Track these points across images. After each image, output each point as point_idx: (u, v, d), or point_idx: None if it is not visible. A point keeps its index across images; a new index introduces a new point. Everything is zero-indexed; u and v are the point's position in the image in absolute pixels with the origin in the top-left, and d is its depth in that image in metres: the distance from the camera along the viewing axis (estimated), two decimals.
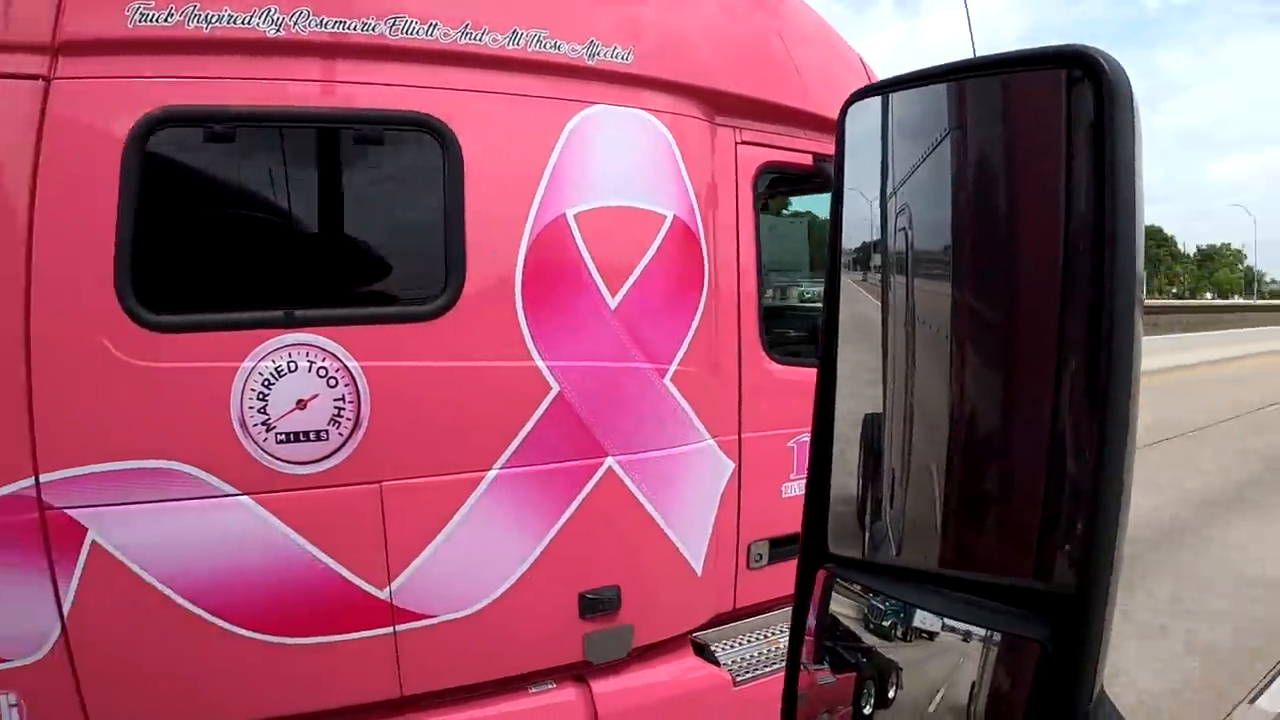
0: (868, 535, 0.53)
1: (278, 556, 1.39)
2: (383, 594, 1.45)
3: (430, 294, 1.44)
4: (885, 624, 0.50)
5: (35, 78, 1.26)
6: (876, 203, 0.51)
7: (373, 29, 1.41)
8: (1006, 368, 0.45)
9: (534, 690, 1.63)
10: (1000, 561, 0.45)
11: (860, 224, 0.53)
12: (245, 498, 1.36)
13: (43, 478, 1.28)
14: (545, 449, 1.53)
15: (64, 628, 1.31)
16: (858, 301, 0.53)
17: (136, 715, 1.37)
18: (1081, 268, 0.39)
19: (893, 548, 0.51)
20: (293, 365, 1.36)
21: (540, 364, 1.52)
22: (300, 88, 1.38)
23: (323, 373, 1.38)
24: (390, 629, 1.46)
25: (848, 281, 0.53)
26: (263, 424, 1.35)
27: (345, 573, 1.42)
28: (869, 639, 0.51)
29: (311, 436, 1.38)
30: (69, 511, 1.29)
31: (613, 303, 1.56)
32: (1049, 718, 0.39)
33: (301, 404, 1.37)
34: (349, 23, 1.39)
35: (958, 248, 0.46)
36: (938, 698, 0.46)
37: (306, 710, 1.44)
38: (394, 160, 1.45)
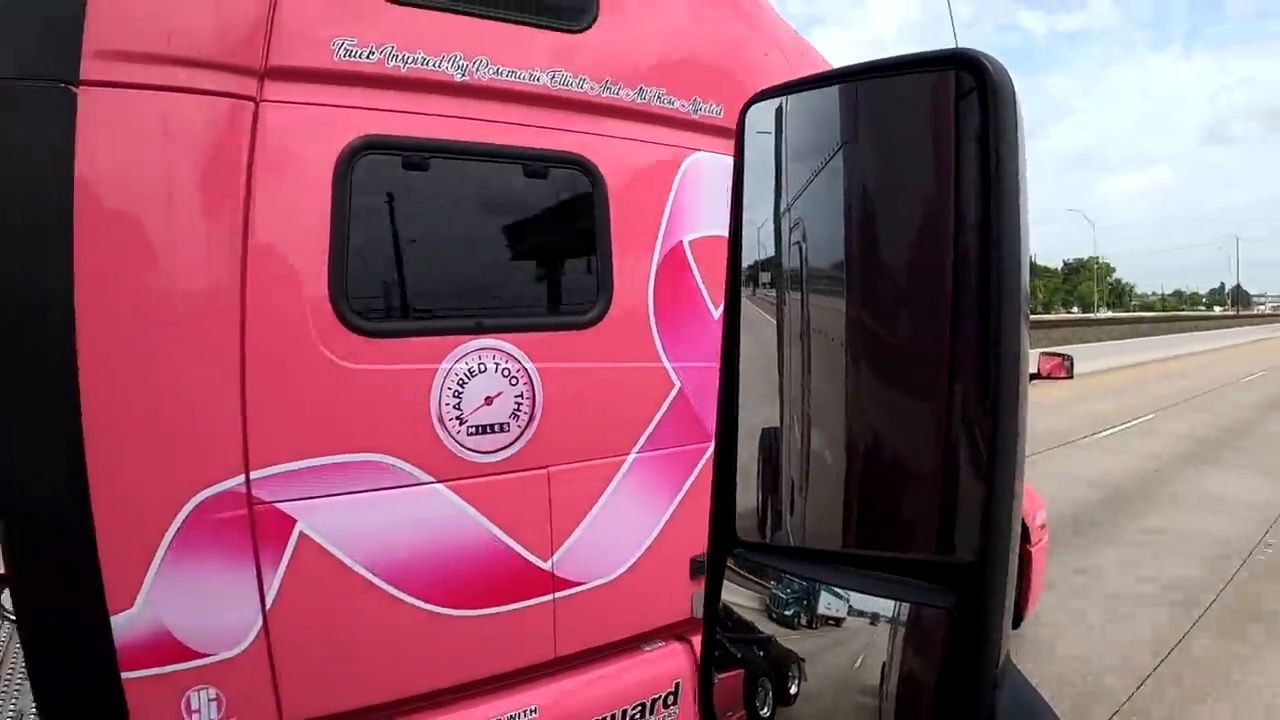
0: (779, 522, 0.54)
1: (463, 537, 1.56)
2: (546, 565, 1.67)
3: (587, 306, 1.69)
4: (788, 613, 0.49)
5: (245, 99, 1.37)
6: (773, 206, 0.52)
7: (537, 79, 1.65)
8: (904, 361, 0.46)
9: (647, 648, 1.90)
10: (905, 539, 0.46)
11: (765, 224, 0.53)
12: (439, 485, 1.52)
13: (253, 474, 1.37)
14: (669, 435, 1.82)
15: (265, 619, 1.40)
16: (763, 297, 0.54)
17: (328, 698, 1.47)
18: (971, 258, 0.40)
19: (803, 533, 0.52)
20: (482, 366, 1.55)
21: (667, 365, 1.81)
22: (480, 126, 1.58)
23: (505, 373, 1.58)
24: (550, 597, 1.68)
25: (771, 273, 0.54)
26: (457, 418, 1.53)
27: (518, 548, 1.62)
28: (769, 628, 0.51)
29: (495, 429, 1.57)
30: (279, 505, 1.39)
31: (715, 314, 1.90)
32: (960, 683, 0.40)
33: (489, 400, 1.56)
34: (519, 72, 1.62)
35: (854, 242, 0.47)
36: (848, 683, 0.46)
37: (483, 676, 1.61)
38: (554, 193, 1.69)
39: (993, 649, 0.40)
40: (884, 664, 0.43)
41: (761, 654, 0.50)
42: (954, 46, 0.43)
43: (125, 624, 1.27)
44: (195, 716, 1.35)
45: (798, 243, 0.50)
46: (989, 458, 0.39)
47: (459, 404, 1.53)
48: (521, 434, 1.61)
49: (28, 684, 1.77)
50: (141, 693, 1.29)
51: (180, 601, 1.31)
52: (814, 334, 0.49)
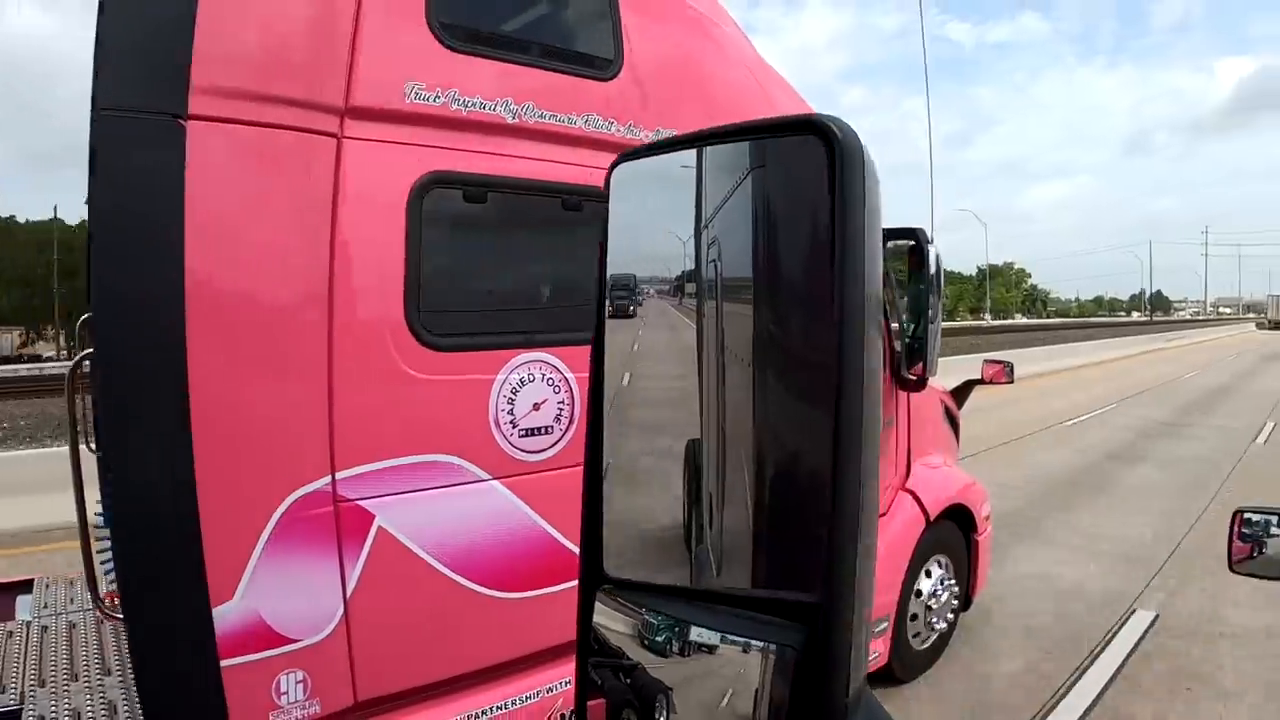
0: (647, 556, 0.55)
1: (514, 528, 1.75)
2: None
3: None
4: (659, 639, 0.50)
5: (328, 134, 1.51)
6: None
7: (573, 122, 1.86)
8: (763, 408, 0.47)
9: None
10: (762, 577, 0.47)
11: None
12: (495, 481, 1.71)
13: (338, 475, 1.51)
14: None
15: (346, 606, 1.54)
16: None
17: (396, 677, 1.63)
18: (825, 319, 0.41)
19: (669, 569, 0.53)
20: (531, 376, 1.75)
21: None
22: (526, 164, 1.78)
23: (550, 381, 1.79)
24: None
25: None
26: (510, 422, 1.72)
27: (560, 537, 1.83)
28: (640, 655, 0.51)
29: (542, 431, 1.78)
30: (360, 502, 1.54)
31: None
32: (806, 715, 0.42)
33: (536, 406, 1.77)
34: (559, 116, 1.83)
35: (713, 301, 0.49)
36: (716, 715, 0.46)
37: (530, 652, 1.81)
38: (588, 223, 1.91)
39: (837, 684, 0.42)
40: (755, 694, 0.44)
41: (628, 683, 0.50)
42: (813, 113, 0.47)
43: (226, 615, 1.39)
44: (284, 698, 1.47)
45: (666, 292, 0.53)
46: (831, 496, 0.41)
47: (512, 409, 1.73)
48: (563, 435, 1.82)
49: (113, 677, 1.80)
50: (238, 678, 1.41)
51: (274, 592, 1.44)
52: (690, 375, 0.52)
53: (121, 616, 1.39)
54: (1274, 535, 1.39)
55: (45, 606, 2.41)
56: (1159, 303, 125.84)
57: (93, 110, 1.28)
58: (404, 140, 1.60)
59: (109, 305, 1.27)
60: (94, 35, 1.29)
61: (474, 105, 1.69)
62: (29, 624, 2.26)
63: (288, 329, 1.44)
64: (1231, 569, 1.42)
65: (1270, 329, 59.99)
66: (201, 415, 1.32)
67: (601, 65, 1.92)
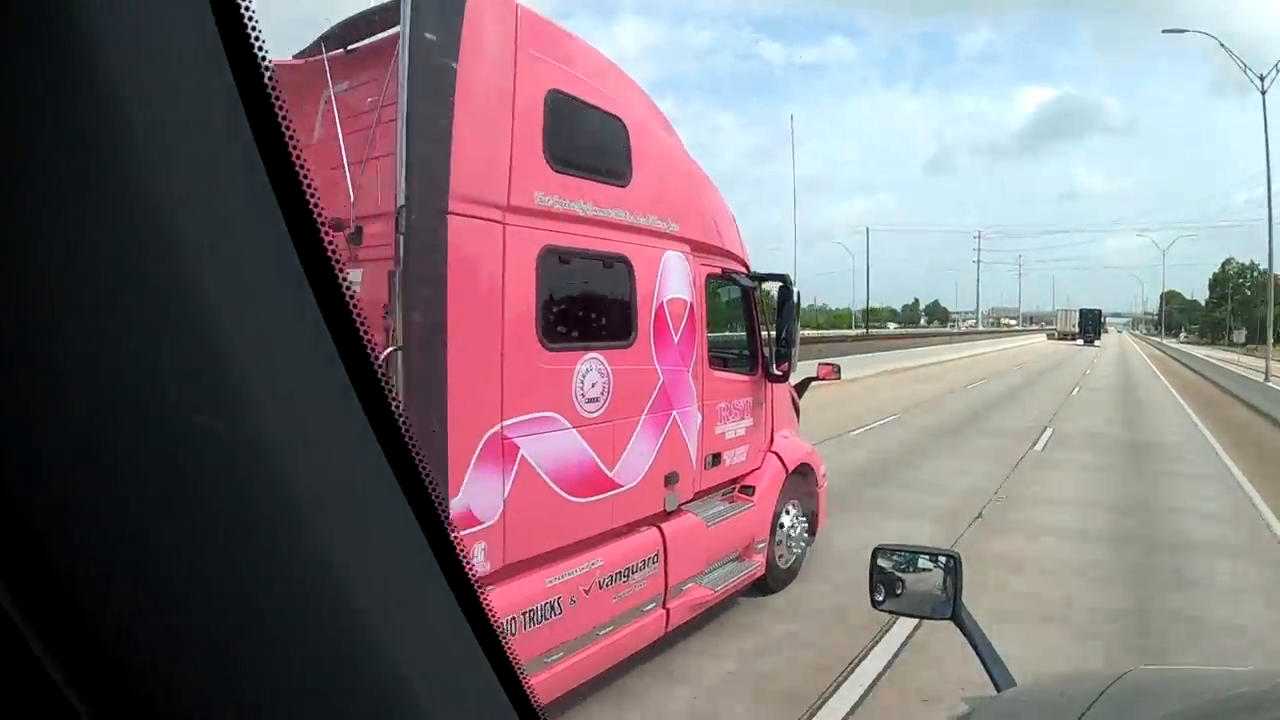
0: None
1: (580, 458, 2.88)
2: (611, 475, 3.05)
3: (627, 334, 3.14)
4: None
5: (499, 222, 2.55)
6: None
7: (608, 214, 3.06)
8: None
9: (643, 530, 3.38)
10: None
11: None
12: (573, 429, 2.83)
13: (505, 423, 2.54)
14: (657, 405, 3.34)
15: (505, 502, 2.57)
16: None
17: (521, 549, 2.67)
18: None
19: None
20: (589, 367, 2.90)
21: (657, 367, 3.34)
22: (587, 239, 2.94)
23: (600, 371, 2.95)
24: (611, 493, 3.07)
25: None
26: (581, 394, 2.86)
27: (601, 465, 2.99)
28: None
29: (596, 400, 2.93)
30: (514, 439, 2.58)
31: (676, 339, 3.49)
32: None
33: (594, 385, 2.92)
34: (603, 210, 3.02)
35: None
36: None
37: (583, 537, 2.93)
38: (615, 276, 3.11)
39: None
40: None
41: None
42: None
43: (454, 506, 2.36)
44: (475, 559, 2.46)
45: None
46: None
47: (582, 386, 2.87)
48: (605, 403, 2.99)
49: None
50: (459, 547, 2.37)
51: (474, 492, 2.43)
52: None
53: None
54: (909, 573, 1.39)
55: None
56: (935, 313, 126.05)
57: (407, 206, 2.22)
58: (534, 226, 2.68)
59: (417, 315, 2.22)
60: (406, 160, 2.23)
61: (565, 204, 2.82)
62: None
63: (487, 333, 2.46)
64: (875, 606, 1.42)
65: (1059, 339, 66.23)
66: (451, 387, 2.30)
67: (622, 177, 3.15)
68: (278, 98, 0.39)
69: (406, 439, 0.43)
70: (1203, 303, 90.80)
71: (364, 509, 0.41)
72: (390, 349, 2.21)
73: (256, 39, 0.38)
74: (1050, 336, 73.44)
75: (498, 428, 2.52)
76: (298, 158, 0.40)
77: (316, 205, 0.40)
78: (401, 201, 2.23)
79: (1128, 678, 0.99)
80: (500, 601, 2.56)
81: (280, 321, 0.39)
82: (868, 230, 63.23)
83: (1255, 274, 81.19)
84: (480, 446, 2.44)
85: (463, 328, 2.36)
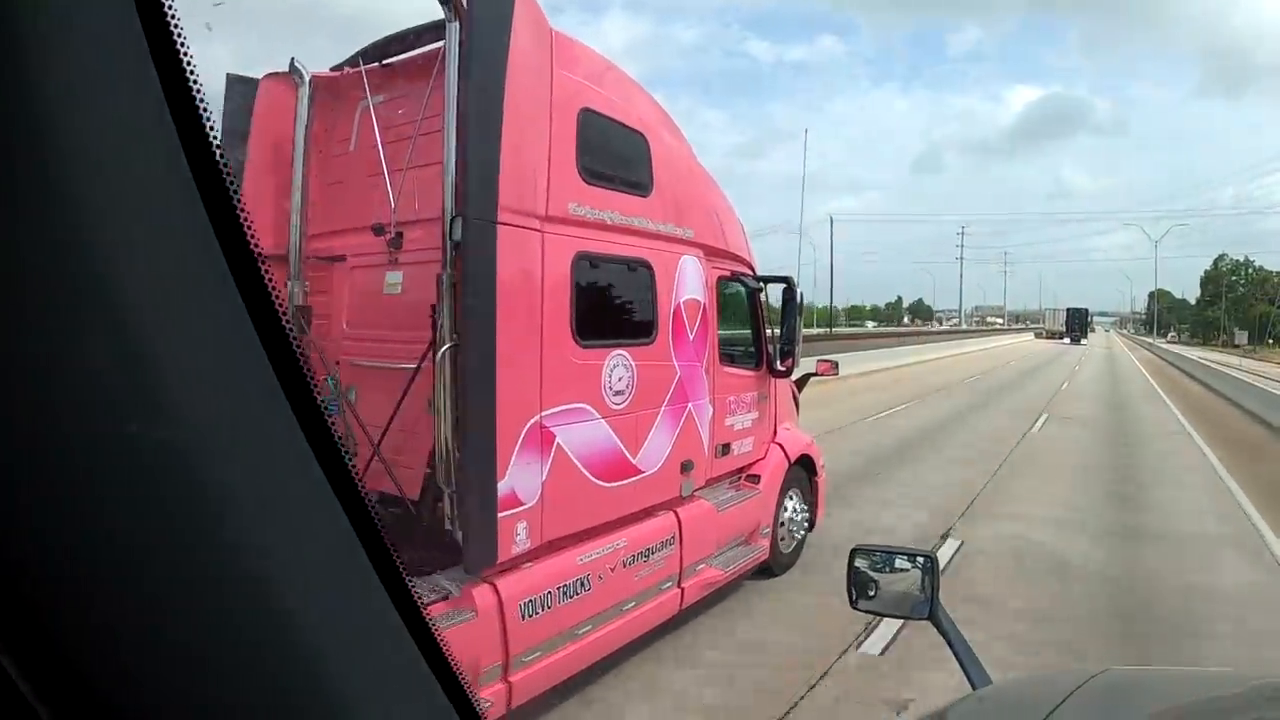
0: None
1: (608, 446, 3.14)
2: (634, 462, 3.32)
3: (650, 333, 3.40)
4: None
5: (538, 230, 2.80)
6: None
7: (633, 223, 3.31)
8: None
9: (659, 514, 3.64)
10: None
11: None
12: (602, 419, 3.09)
13: (543, 413, 2.80)
14: (675, 399, 3.61)
15: (543, 485, 2.83)
16: None
17: (555, 529, 2.92)
18: None
19: None
20: (616, 362, 3.16)
21: (674, 363, 3.60)
22: (614, 246, 3.19)
23: (625, 365, 3.21)
24: (635, 479, 3.33)
25: None
26: (609, 386, 3.12)
27: (626, 452, 3.25)
28: None
29: (621, 393, 3.19)
30: (551, 428, 2.84)
31: (691, 337, 3.75)
32: None
33: (620, 379, 3.18)
34: (629, 219, 3.27)
35: None
36: None
37: (609, 519, 3.19)
38: (639, 279, 3.36)
39: None
40: None
41: None
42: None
43: (500, 489, 2.61)
44: (518, 538, 2.71)
45: None
46: None
47: (610, 379, 3.13)
48: (629, 395, 3.25)
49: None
50: (504, 525, 2.63)
51: (518, 476, 2.68)
52: None
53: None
54: (886, 573, 1.39)
55: None
56: (919, 311, 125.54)
57: (463, 218, 2.46)
58: (568, 234, 2.93)
59: (470, 316, 2.46)
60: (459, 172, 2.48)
61: (595, 214, 3.07)
62: None
63: (529, 332, 2.71)
64: (853, 606, 1.42)
65: (1048, 339, 65.43)
66: (499, 379, 2.55)
67: (643, 189, 3.40)
68: (201, 97, 0.38)
69: (334, 436, 0.44)
70: (1193, 301, 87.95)
71: (291, 503, 0.42)
72: (446, 346, 2.46)
73: (179, 36, 0.37)
74: (1039, 335, 73.22)
75: (537, 418, 2.77)
76: (220, 155, 0.39)
77: (239, 203, 0.40)
78: (453, 211, 2.48)
79: (1100, 678, 0.98)
80: (541, 575, 2.83)
81: (204, 320, 0.38)
82: (831, 219, 62.80)
83: (1249, 271, 76.04)
84: (523, 434, 2.69)
85: (509, 327, 2.61)
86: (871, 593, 1.40)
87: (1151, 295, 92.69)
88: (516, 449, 2.67)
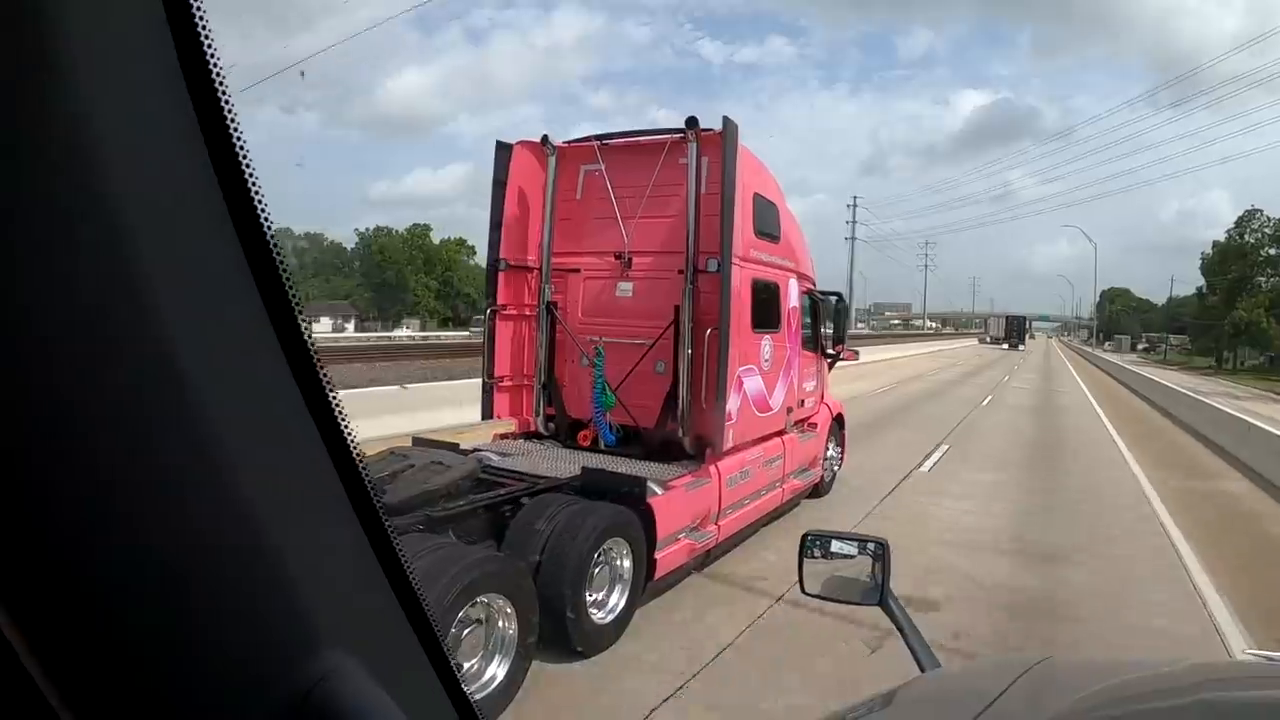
0: None
1: (760, 391, 5.34)
2: (770, 402, 5.52)
3: (779, 325, 5.60)
4: None
5: (742, 265, 4.94)
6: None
7: (773, 260, 5.49)
8: None
9: (775, 439, 5.85)
10: None
11: None
12: (759, 376, 5.29)
13: (740, 370, 4.96)
14: (787, 368, 5.82)
15: (738, 410, 4.99)
16: None
17: (740, 435, 5.08)
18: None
19: None
20: (767, 342, 5.35)
21: (787, 345, 5.81)
22: (766, 273, 5.37)
23: (770, 345, 5.41)
24: (769, 413, 5.53)
25: None
26: (764, 356, 5.31)
27: (768, 396, 5.45)
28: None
29: (768, 360, 5.40)
30: (741, 378, 5.00)
31: (793, 329, 5.96)
32: None
33: (768, 352, 5.38)
34: (771, 257, 5.46)
35: None
36: None
37: (759, 436, 5.38)
38: (775, 295, 5.55)
39: None
40: None
41: None
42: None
43: (727, 410, 4.75)
44: (729, 438, 4.85)
45: None
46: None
47: (764, 352, 5.31)
48: (770, 363, 5.44)
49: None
50: (727, 431, 4.78)
51: (732, 404, 4.84)
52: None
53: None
54: (837, 559, 1.40)
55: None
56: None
57: (722, 258, 4.58)
58: (750, 267, 5.08)
59: (722, 312, 4.59)
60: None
61: (758, 255, 5.24)
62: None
63: (740, 323, 4.85)
64: (804, 592, 1.41)
65: (992, 344, 64.94)
66: (731, 350, 4.68)
67: (776, 236, 5.58)
68: (233, 117, 0.40)
69: (349, 443, 0.46)
70: (1197, 293, 60.54)
71: (306, 507, 0.45)
72: (709, 330, 4.59)
73: (212, 56, 0.39)
74: (982, 341, 72.88)
75: (739, 371, 4.92)
76: (249, 173, 0.40)
77: (267, 219, 0.42)
78: (694, 251, 4.63)
79: (1043, 664, 1.01)
80: (734, 463, 5.00)
81: (226, 318, 0.41)
82: None
83: None
84: (733, 380, 4.84)
85: (734, 321, 4.74)
86: (826, 578, 1.41)
87: (1104, 295, 72.64)
88: (731, 389, 4.81)
